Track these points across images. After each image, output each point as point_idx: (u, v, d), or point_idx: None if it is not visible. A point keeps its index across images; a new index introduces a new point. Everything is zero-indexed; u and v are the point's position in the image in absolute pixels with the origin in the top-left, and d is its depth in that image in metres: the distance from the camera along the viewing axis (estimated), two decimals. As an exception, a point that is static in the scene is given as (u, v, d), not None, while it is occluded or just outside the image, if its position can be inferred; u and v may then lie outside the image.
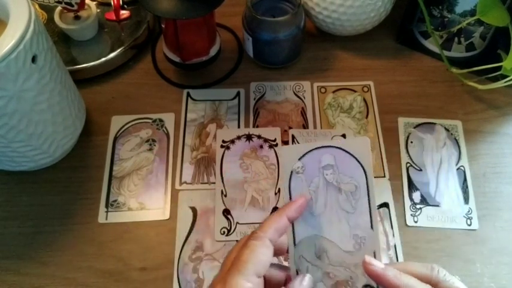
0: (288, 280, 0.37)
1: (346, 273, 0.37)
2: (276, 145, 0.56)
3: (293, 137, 0.56)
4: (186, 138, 0.57)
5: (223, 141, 0.56)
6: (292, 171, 0.38)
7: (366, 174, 0.37)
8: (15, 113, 0.43)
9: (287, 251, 0.37)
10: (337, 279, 0.37)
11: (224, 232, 0.51)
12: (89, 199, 0.53)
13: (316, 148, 0.38)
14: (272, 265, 0.36)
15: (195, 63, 0.60)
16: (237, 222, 0.51)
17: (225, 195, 0.52)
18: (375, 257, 0.36)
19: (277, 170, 0.54)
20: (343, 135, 0.56)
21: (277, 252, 0.36)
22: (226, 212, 0.52)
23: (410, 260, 0.45)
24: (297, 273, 0.36)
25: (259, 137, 0.56)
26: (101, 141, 0.57)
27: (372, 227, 0.37)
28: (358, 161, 0.38)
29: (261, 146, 0.56)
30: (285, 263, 0.47)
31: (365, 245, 0.37)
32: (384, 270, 0.34)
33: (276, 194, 0.52)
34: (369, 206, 0.37)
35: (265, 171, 0.54)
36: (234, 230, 0.51)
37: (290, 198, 0.37)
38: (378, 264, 0.35)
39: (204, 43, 0.59)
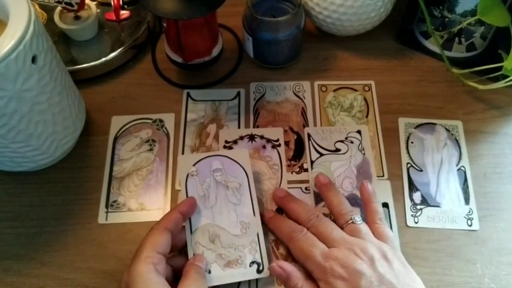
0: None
1: (235, 253, 0.45)
2: (279, 145, 0.55)
3: (309, 135, 0.56)
4: (186, 138, 0.56)
5: (226, 142, 0.56)
6: (188, 174, 0.48)
7: (247, 175, 0.48)
8: (15, 113, 0.43)
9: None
10: (228, 259, 0.45)
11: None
12: (89, 199, 0.53)
13: (207, 156, 0.49)
14: (176, 255, 0.45)
15: (198, 64, 0.59)
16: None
17: (226, 196, 0.53)
18: (258, 237, 0.46)
19: (280, 170, 0.54)
20: (359, 131, 0.56)
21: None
22: (227, 213, 0.52)
23: (411, 261, 0.44)
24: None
25: (262, 137, 0.56)
26: (101, 141, 0.56)
27: (254, 214, 0.47)
28: (240, 165, 0.49)
29: (264, 147, 0.56)
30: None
31: (250, 228, 0.46)
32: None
33: (276, 194, 0.52)
34: (251, 198, 0.48)
35: (268, 172, 0.54)
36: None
37: (187, 195, 0.47)
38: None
39: (206, 43, 0.59)
